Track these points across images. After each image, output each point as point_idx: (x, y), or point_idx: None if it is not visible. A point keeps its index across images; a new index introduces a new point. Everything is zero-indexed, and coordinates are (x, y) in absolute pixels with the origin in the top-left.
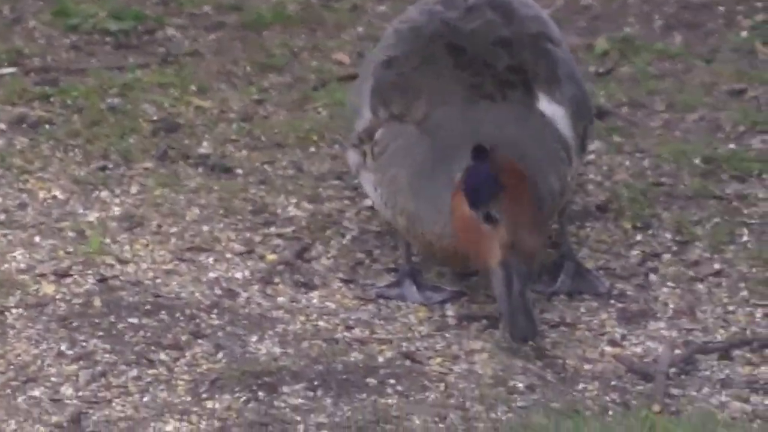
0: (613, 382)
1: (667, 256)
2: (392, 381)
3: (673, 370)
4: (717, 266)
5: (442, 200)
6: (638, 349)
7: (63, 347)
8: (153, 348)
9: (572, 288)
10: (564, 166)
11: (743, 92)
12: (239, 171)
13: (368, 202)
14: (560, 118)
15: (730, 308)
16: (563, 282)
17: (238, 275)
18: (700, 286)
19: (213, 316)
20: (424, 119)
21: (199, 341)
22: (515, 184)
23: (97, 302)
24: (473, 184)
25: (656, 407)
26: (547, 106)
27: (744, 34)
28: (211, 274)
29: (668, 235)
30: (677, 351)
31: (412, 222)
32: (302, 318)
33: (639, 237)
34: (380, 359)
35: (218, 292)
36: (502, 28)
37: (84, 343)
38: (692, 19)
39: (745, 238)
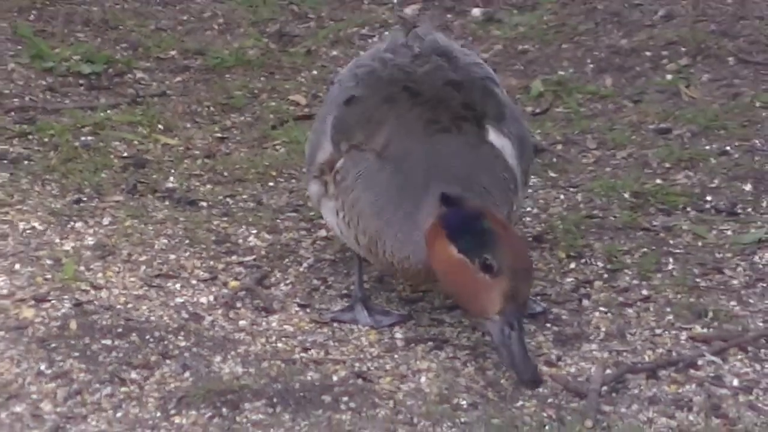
0: (549, 400)
1: (598, 283)
2: (345, 398)
3: (604, 388)
4: (645, 292)
5: (408, 227)
6: (572, 369)
7: (42, 367)
8: (125, 367)
9: None
10: (512, 195)
11: (669, 131)
12: (203, 204)
13: (323, 233)
14: (507, 150)
15: (657, 331)
16: None
17: (203, 300)
18: (629, 311)
19: (180, 338)
20: (384, 148)
21: (167, 361)
22: (505, 232)
23: (73, 325)
24: (456, 229)
25: (588, 423)
26: (496, 139)
27: (669, 77)
28: (178, 299)
29: (600, 264)
30: (608, 371)
31: (374, 242)
32: (262, 340)
33: (572, 265)
34: (334, 378)
35: (185, 315)
36: (450, 72)
37: (61, 363)
38: (621, 63)
39: (670, 267)
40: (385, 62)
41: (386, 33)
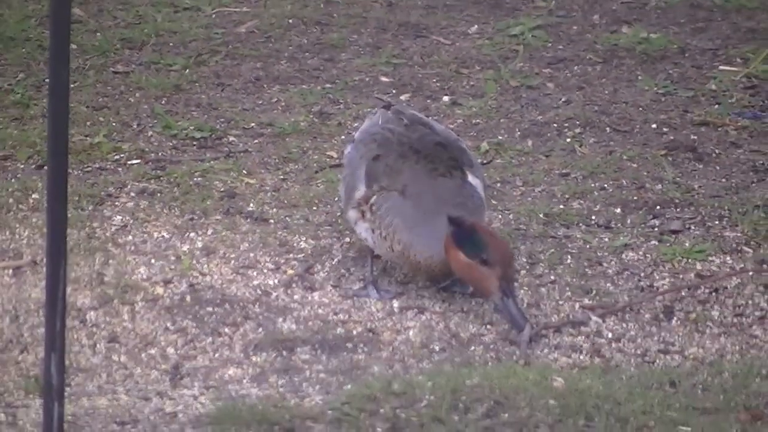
0: (491, 346)
1: (523, 272)
2: (361, 345)
3: (529, 340)
4: (552, 277)
5: (430, 237)
6: (506, 326)
7: (168, 325)
8: (220, 325)
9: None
10: (483, 213)
11: (568, 174)
12: (271, 221)
13: (347, 240)
14: (478, 186)
15: (560, 303)
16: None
17: (270, 282)
18: (542, 289)
19: (256, 306)
20: (404, 188)
21: (248, 321)
22: (491, 237)
23: (188, 298)
24: (462, 241)
25: (521, 361)
26: (472, 179)
27: (568, 140)
28: (255, 282)
29: (524, 259)
30: (532, 328)
31: (407, 248)
32: (308, 308)
33: None
34: (354, 332)
35: (259, 292)
36: (436, 136)
37: (180, 322)
38: (537, 131)
39: (569, 261)
40: (392, 131)
41: (373, 110)
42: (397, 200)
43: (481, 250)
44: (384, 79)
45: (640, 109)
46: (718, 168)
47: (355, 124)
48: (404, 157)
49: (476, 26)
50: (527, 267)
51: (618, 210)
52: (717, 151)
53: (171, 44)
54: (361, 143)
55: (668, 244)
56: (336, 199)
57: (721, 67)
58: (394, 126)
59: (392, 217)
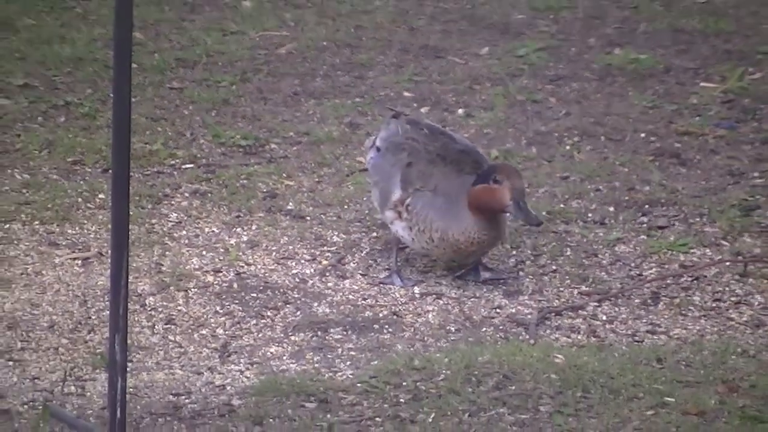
0: (500, 327)
1: (528, 263)
2: (387, 326)
3: (536, 322)
4: (554, 267)
5: (461, 217)
6: (513, 311)
7: (217, 308)
8: (263, 308)
9: (484, 278)
10: None
11: (567, 177)
12: (308, 218)
13: (374, 234)
14: None
15: (561, 289)
16: (482, 274)
17: (307, 271)
18: (545, 278)
19: (294, 292)
20: (436, 188)
21: (287, 305)
22: (505, 166)
23: (235, 285)
24: (477, 182)
25: (531, 341)
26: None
27: (568, 147)
28: (294, 271)
29: (529, 251)
30: (539, 312)
31: (444, 233)
32: (340, 294)
33: (513, 252)
34: (380, 315)
35: (297, 280)
36: (456, 144)
37: (228, 306)
38: (541, 140)
39: (568, 253)
40: (417, 140)
41: (385, 117)
42: (429, 197)
43: (492, 175)
44: (407, 94)
45: (631, 120)
46: (699, 172)
47: (383, 134)
48: (433, 163)
49: (487, 48)
50: (532, 258)
51: (611, 208)
52: (698, 157)
53: (219, 63)
54: (389, 152)
55: (655, 238)
56: (365, 198)
57: (701, 84)
58: (417, 136)
59: (427, 211)
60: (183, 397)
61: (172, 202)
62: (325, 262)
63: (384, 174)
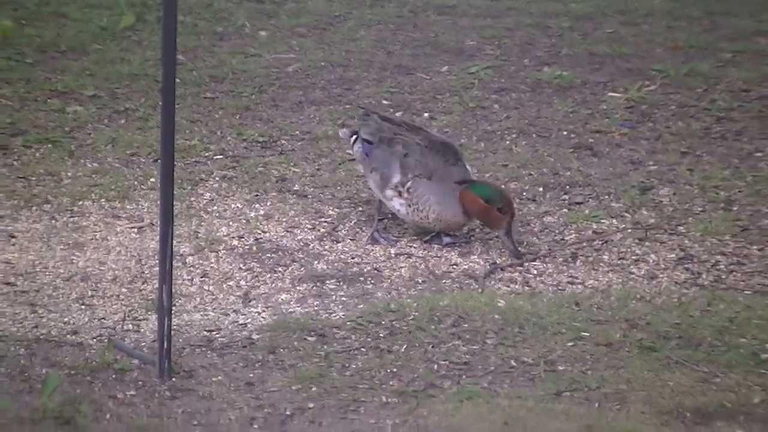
0: (456, 280)
1: (477, 231)
2: (369, 278)
3: (484, 275)
4: (496, 234)
5: (452, 204)
6: (466, 266)
7: (240, 266)
8: (276, 265)
9: (445, 242)
10: None
11: (507, 165)
12: (309, 196)
13: (361, 209)
14: (469, 170)
15: (502, 251)
16: (443, 239)
17: (309, 237)
18: (490, 242)
19: (299, 253)
20: (431, 175)
21: (294, 263)
22: (499, 190)
23: (254, 248)
24: (476, 191)
25: (479, 290)
26: (468, 167)
27: (507, 142)
28: (298, 237)
29: (478, 222)
30: (486, 268)
31: (440, 214)
32: (334, 254)
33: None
34: (365, 270)
35: (301, 244)
36: (437, 137)
37: (249, 264)
38: (487, 137)
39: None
40: (404, 135)
41: (358, 113)
42: (428, 183)
43: (496, 201)
44: (385, 102)
45: (556, 122)
46: (607, 161)
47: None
48: (425, 155)
49: (446, 67)
50: (481, 227)
51: (540, 189)
52: (607, 149)
53: (242, 79)
54: (383, 144)
55: (574, 212)
56: (353, 182)
57: (609, 94)
58: (400, 131)
59: (427, 195)
60: (214, 332)
61: (206, 185)
62: (322, 230)
63: (382, 162)
